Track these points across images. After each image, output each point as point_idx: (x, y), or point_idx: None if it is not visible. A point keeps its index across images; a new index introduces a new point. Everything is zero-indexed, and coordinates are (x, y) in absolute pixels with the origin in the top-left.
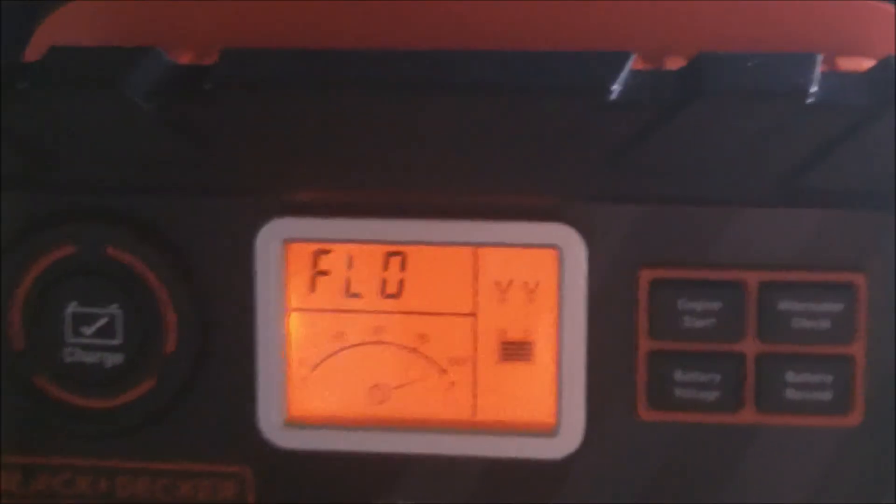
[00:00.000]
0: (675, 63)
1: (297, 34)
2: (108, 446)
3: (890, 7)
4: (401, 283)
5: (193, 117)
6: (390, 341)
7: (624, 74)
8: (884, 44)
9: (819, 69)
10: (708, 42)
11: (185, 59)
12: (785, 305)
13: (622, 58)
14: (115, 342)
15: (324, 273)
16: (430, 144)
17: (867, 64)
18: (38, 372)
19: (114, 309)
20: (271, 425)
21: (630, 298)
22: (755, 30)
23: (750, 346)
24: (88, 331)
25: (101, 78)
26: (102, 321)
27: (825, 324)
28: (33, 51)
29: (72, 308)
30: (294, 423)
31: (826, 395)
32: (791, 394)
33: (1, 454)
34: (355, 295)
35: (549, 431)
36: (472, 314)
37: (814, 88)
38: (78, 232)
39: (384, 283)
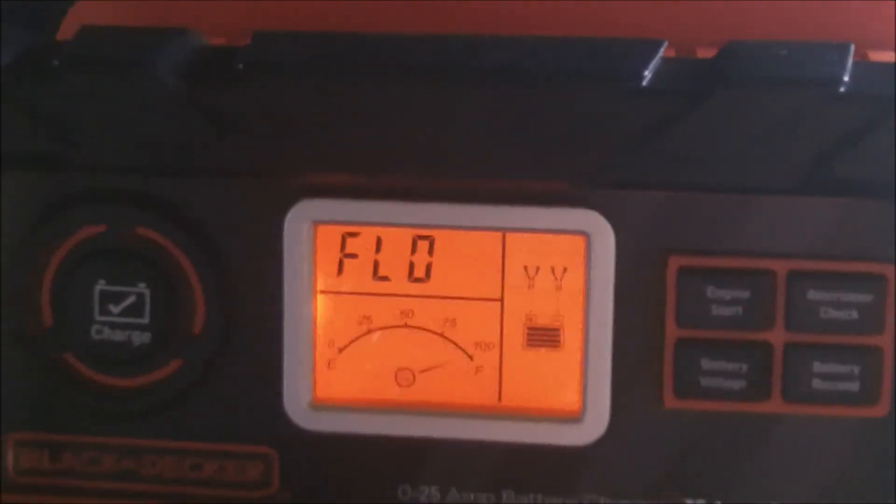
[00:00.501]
0: (706, 53)
1: (328, 20)
2: (135, 425)
3: None
4: (428, 266)
5: (224, 99)
6: (417, 325)
7: (656, 61)
8: None
9: (851, 58)
10: (738, 35)
11: (216, 42)
12: (813, 295)
13: (654, 45)
14: (143, 321)
15: (352, 256)
16: (460, 129)
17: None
18: (66, 350)
19: (142, 288)
20: (297, 407)
21: (658, 286)
22: (786, 25)
23: (777, 336)
24: (116, 309)
25: (132, 58)
26: (130, 300)
27: (853, 314)
28: (65, 32)
29: (100, 286)
30: (320, 406)
31: (853, 386)
32: (818, 384)
33: (30, 432)
34: (383, 278)
35: (574, 418)
36: (499, 299)
37: (846, 77)
38: (108, 211)
39: (412, 266)
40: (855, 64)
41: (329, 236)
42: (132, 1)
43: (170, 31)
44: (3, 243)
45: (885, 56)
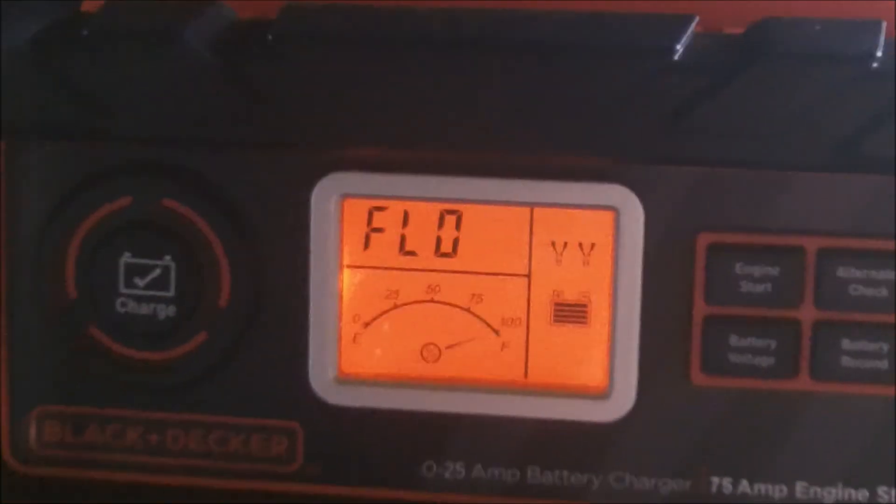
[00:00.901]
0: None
1: None
2: (160, 399)
3: None
4: (455, 241)
5: (253, 71)
6: (443, 300)
7: (687, 36)
8: None
9: (884, 35)
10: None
11: (248, 14)
12: (843, 272)
13: (686, 20)
14: (169, 294)
15: (378, 230)
16: (488, 103)
17: None
18: (91, 323)
19: (167, 261)
20: (322, 381)
21: (687, 262)
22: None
23: (807, 313)
24: (141, 282)
25: (161, 29)
26: (156, 273)
27: (883, 292)
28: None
29: (125, 258)
30: (345, 380)
31: (882, 364)
32: (847, 362)
33: (54, 405)
34: (410, 253)
35: (601, 394)
36: (527, 275)
37: (879, 53)
38: (134, 183)
39: (439, 241)
40: (887, 41)
41: (356, 210)
42: None
43: (199, 3)
44: (30, 216)
45: None
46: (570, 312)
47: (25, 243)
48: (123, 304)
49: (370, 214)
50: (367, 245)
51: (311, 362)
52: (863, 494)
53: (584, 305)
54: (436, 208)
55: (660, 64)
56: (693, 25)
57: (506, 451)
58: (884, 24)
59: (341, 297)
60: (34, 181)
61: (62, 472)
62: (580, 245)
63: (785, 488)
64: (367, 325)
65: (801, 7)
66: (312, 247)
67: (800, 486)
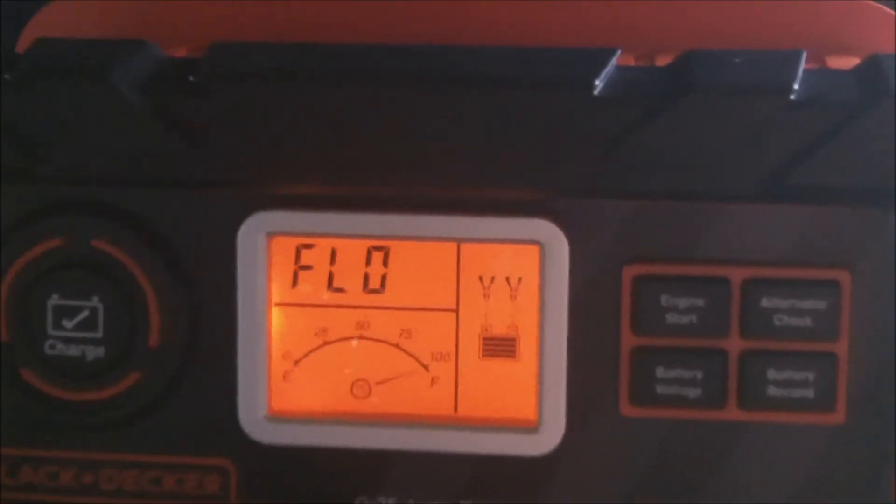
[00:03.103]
0: (666, 62)
1: (290, 31)
2: (93, 439)
3: (883, 8)
4: (384, 277)
5: (180, 110)
6: (373, 336)
7: (608, 70)
8: (879, 43)
9: (803, 66)
10: (701, 42)
11: (179, 54)
12: (768, 302)
13: (607, 53)
14: (97, 335)
15: (307, 268)
16: (414, 138)
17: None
18: (24, 364)
19: (95, 302)
20: (252, 420)
21: (613, 295)
22: (749, 30)
23: (733, 343)
24: (69, 324)
25: (89, 69)
26: (83, 314)
27: (809, 321)
28: (24, 45)
29: (53, 300)
30: (276, 418)
31: (808, 393)
32: (774, 391)
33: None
34: (338, 290)
35: (531, 427)
36: (455, 310)
37: (796, 85)
38: (63, 224)
39: (367, 277)
40: (809, 71)
41: (284, 248)
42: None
43: (126, 42)
44: None
45: (846, 62)
46: (498, 346)
47: None
48: (52, 346)
49: (298, 252)
50: (295, 283)
51: (240, 401)
52: None
53: (513, 339)
54: (363, 245)
55: (580, 98)
56: (614, 59)
57: (439, 486)
58: (803, 55)
59: (270, 335)
60: None
61: None
62: (507, 279)
63: None
64: (297, 362)
65: (795, 8)
66: (240, 285)
67: None
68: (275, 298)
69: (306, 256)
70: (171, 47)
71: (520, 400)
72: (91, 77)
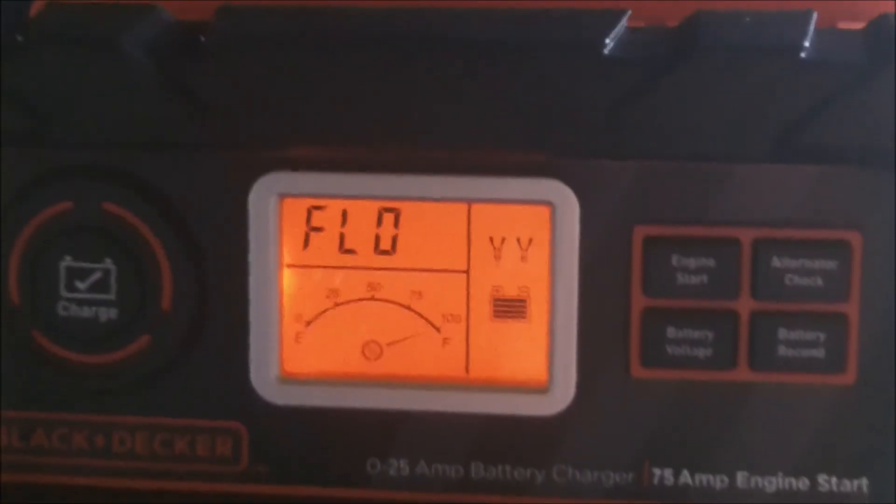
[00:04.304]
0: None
1: None
2: (105, 402)
3: None
4: (394, 239)
5: (190, 73)
6: (384, 298)
7: (618, 30)
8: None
9: (813, 25)
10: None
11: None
12: (779, 263)
13: (617, 14)
14: (110, 297)
15: (318, 229)
16: (424, 100)
17: None
18: (35, 327)
19: (108, 264)
20: (264, 381)
21: (624, 255)
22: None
23: (744, 304)
24: (82, 285)
25: (97, 34)
26: (96, 276)
27: (819, 282)
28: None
29: (66, 262)
30: (287, 380)
31: (819, 353)
32: (784, 352)
33: (1, 410)
34: (349, 251)
35: (541, 388)
36: (466, 271)
37: (807, 44)
38: (74, 188)
39: (378, 239)
40: (819, 31)
41: (295, 209)
42: None
43: (136, 6)
44: None
45: (855, 26)
46: (509, 308)
47: None
48: (65, 308)
49: (309, 214)
50: (306, 244)
51: (252, 362)
52: (803, 483)
53: (524, 300)
54: (374, 206)
55: (590, 59)
56: (625, 20)
57: (449, 447)
58: (814, 14)
59: (282, 296)
60: None
61: (9, 478)
62: (518, 240)
63: (726, 478)
64: (308, 324)
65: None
66: (252, 247)
67: (741, 477)
68: (286, 260)
69: (317, 218)
70: (180, 11)
71: (530, 361)
72: (101, 43)
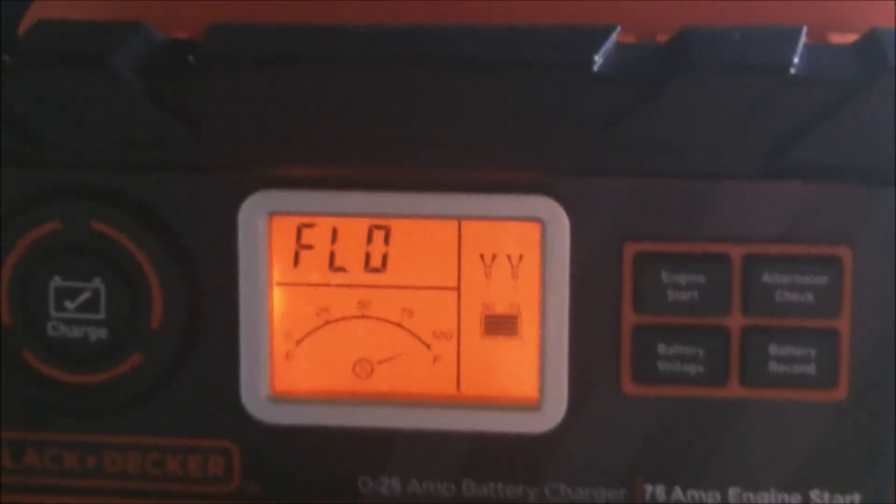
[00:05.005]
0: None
1: (286, 12)
2: (97, 422)
3: None
4: (385, 256)
5: (179, 92)
6: (374, 315)
7: (607, 47)
8: (880, 18)
9: (803, 41)
10: (700, 20)
11: (176, 35)
12: (770, 279)
13: (606, 31)
14: (99, 316)
15: (308, 247)
16: (413, 118)
17: None
18: (26, 347)
19: (97, 283)
20: (255, 400)
21: (614, 272)
22: (748, 8)
23: (735, 320)
24: (71, 305)
25: (87, 53)
26: (86, 295)
27: (810, 298)
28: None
29: (55, 282)
30: (278, 399)
31: (811, 370)
32: (775, 368)
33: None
34: (340, 269)
35: (533, 405)
36: (456, 288)
37: (797, 61)
38: (63, 208)
39: (368, 256)
40: (809, 47)
41: (285, 227)
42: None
43: (125, 25)
44: None
45: (849, 39)
46: (500, 325)
47: None
48: (55, 328)
49: (299, 231)
50: (296, 262)
51: (243, 381)
52: (796, 499)
53: (515, 317)
54: (364, 224)
55: (580, 76)
56: (614, 36)
57: (440, 464)
58: (803, 30)
59: (272, 315)
60: None
61: (2, 498)
62: (508, 257)
63: (718, 494)
64: (298, 342)
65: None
66: (242, 265)
67: (733, 492)
68: (276, 278)
69: (307, 236)
70: (168, 29)
71: (521, 378)
72: (89, 62)
